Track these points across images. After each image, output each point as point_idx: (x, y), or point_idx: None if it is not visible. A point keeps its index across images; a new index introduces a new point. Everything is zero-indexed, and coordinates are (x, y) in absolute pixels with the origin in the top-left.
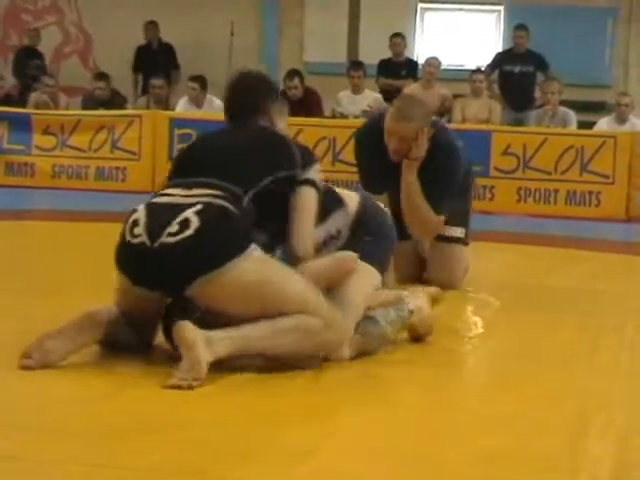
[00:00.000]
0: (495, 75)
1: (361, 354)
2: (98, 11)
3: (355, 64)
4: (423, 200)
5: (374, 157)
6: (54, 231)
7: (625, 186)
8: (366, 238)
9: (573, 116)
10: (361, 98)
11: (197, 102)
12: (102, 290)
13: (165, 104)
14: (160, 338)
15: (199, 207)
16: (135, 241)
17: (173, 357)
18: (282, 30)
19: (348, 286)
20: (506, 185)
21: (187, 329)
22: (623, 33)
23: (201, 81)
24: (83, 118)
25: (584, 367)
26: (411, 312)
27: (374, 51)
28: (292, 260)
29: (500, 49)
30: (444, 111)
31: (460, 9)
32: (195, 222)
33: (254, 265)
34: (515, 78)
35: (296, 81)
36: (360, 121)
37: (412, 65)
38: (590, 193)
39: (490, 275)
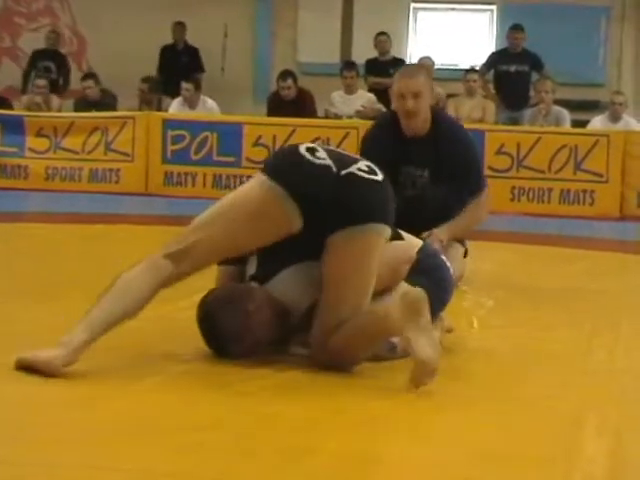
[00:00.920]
0: (490, 75)
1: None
2: (92, 13)
3: (348, 64)
4: (466, 223)
5: (382, 147)
6: (48, 233)
7: (619, 185)
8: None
9: (567, 115)
10: (354, 98)
11: (191, 103)
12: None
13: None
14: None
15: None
16: (318, 162)
17: (168, 357)
18: (275, 31)
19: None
20: (500, 184)
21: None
22: (616, 32)
23: (195, 82)
24: (76, 120)
25: (579, 366)
26: None
27: (367, 51)
28: None
29: (493, 48)
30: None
31: (453, 9)
32: (380, 174)
33: (383, 243)
34: (511, 78)
35: (289, 82)
36: (353, 121)
37: (399, 64)
38: (584, 192)
39: (484, 274)
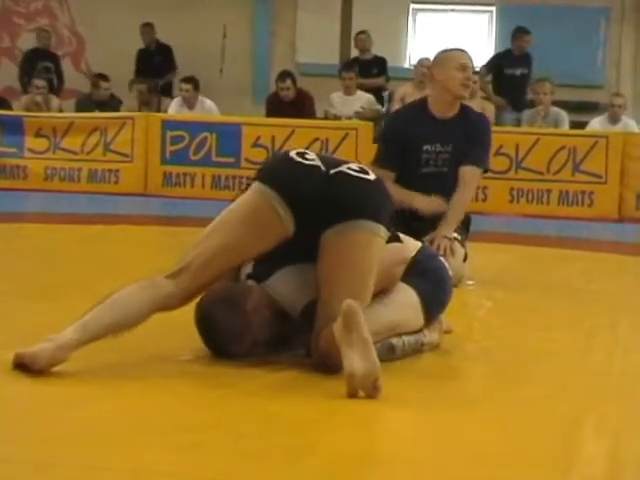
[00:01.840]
0: (489, 76)
1: None
2: (90, 13)
3: (347, 65)
4: (462, 212)
5: (406, 126)
6: (47, 234)
7: (617, 186)
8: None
9: (565, 116)
10: (353, 99)
11: (189, 104)
12: (95, 292)
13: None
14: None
15: (367, 167)
16: (307, 162)
17: (166, 358)
18: (274, 31)
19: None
20: (499, 185)
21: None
22: (615, 33)
23: (194, 83)
24: (75, 120)
25: (578, 366)
26: (422, 344)
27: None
28: None
29: (492, 50)
30: None
31: (452, 10)
32: (373, 175)
33: (380, 244)
34: (515, 80)
35: (288, 82)
36: (352, 122)
37: (382, 63)
38: (582, 193)
39: (483, 275)
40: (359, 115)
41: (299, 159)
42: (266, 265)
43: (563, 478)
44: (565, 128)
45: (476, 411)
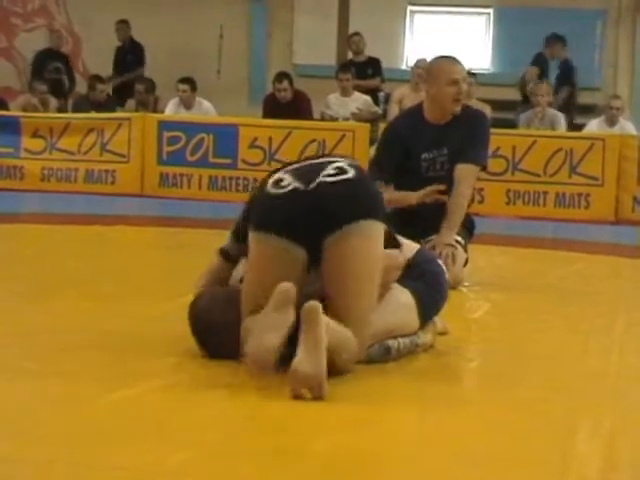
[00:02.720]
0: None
1: None
2: (87, 14)
3: (344, 67)
4: (462, 215)
5: (406, 136)
6: (43, 234)
7: (614, 188)
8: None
9: (562, 118)
10: (350, 101)
11: (186, 104)
12: (91, 293)
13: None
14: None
15: (347, 161)
16: (284, 191)
17: (163, 358)
18: (271, 33)
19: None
20: (495, 187)
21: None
22: (612, 35)
23: (191, 83)
24: (72, 121)
25: (574, 368)
26: (417, 345)
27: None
28: None
29: (490, 51)
30: None
31: (449, 11)
32: (351, 171)
33: (379, 238)
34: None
35: (285, 83)
36: (349, 123)
37: (376, 64)
38: (579, 195)
39: (480, 277)
40: (356, 116)
41: (275, 191)
42: None
43: (558, 478)
44: (562, 130)
45: (472, 412)
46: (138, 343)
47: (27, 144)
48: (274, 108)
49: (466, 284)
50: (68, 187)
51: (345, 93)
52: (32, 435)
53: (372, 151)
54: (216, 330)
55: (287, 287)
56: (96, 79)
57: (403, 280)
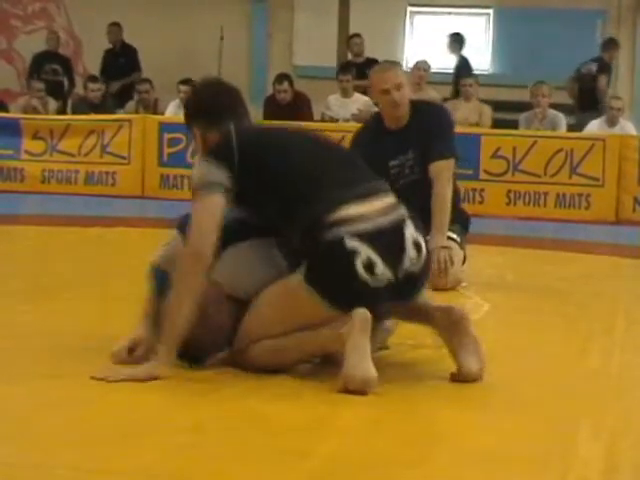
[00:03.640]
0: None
1: None
2: (87, 16)
3: (344, 68)
4: (448, 213)
5: (369, 148)
6: (44, 236)
7: (614, 188)
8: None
9: (563, 119)
10: (351, 102)
11: None
12: (90, 295)
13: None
14: None
15: (411, 224)
16: (381, 283)
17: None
18: (271, 33)
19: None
20: (496, 188)
21: None
22: (612, 35)
23: (192, 85)
24: (72, 123)
25: (575, 368)
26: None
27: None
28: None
29: (490, 52)
30: None
31: (449, 12)
32: (422, 242)
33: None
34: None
35: (285, 85)
36: (350, 124)
37: (375, 64)
38: (580, 196)
39: (480, 277)
40: (356, 117)
41: (373, 282)
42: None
43: (559, 479)
44: (562, 130)
45: (473, 413)
46: None
47: (28, 146)
48: (274, 109)
49: (465, 284)
50: (69, 189)
51: (345, 94)
52: (33, 438)
53: None
54: (195, 346)
55: (367, 314)
56: (89, 79)
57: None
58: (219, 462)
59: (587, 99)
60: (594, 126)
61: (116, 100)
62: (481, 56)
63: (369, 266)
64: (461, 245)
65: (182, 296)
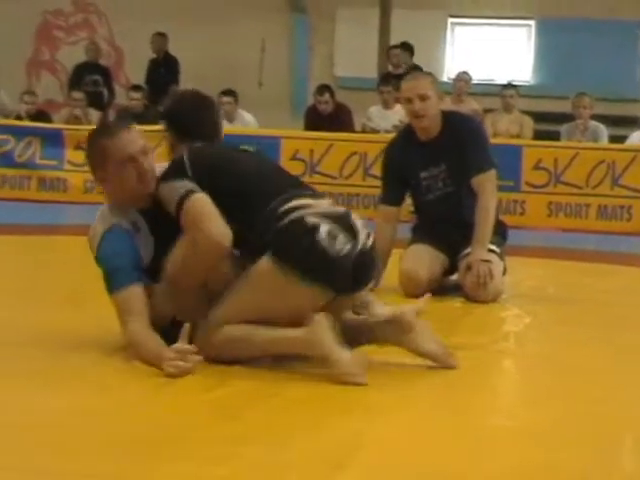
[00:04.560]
0: None
1: None
2: (129, 26)
3: (385, 79)
4: (491, 225)
5: (400, 159)
6: (86, 246)
7: None
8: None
9: (604, 130)
10: (392, 113)
11: (229, 117)
12: None
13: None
14: None
15: (355, 215)
16: (345, 251)
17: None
18: (313, 45)
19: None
20: (537, 200)
21: None
22: None
23: (234, 95)
24: None
25: (614, 382)
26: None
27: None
28: None
29: (531, 63)
30: None
31: (490, 23)
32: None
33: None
34: None
35: (327, 96)
36: (391, 136)
37: None
38: (621, 207)
39: (520, 289)
40: (397, 128)
41: (334, 251)
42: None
43: None
44: (604, 142)
45: (512, 425)
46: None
47: (70, 156)
48: (316, 120)
49: (506, 296)
50: None
51: (386, 105)
52: (68, 447)
53: None
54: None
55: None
56: (130, 89)
57: None
58: (261, 472)
59: None
60: (636, 138)
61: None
62: (522, 67)
63: (331, 235)
64: (501, 256)
65: (193, 270)
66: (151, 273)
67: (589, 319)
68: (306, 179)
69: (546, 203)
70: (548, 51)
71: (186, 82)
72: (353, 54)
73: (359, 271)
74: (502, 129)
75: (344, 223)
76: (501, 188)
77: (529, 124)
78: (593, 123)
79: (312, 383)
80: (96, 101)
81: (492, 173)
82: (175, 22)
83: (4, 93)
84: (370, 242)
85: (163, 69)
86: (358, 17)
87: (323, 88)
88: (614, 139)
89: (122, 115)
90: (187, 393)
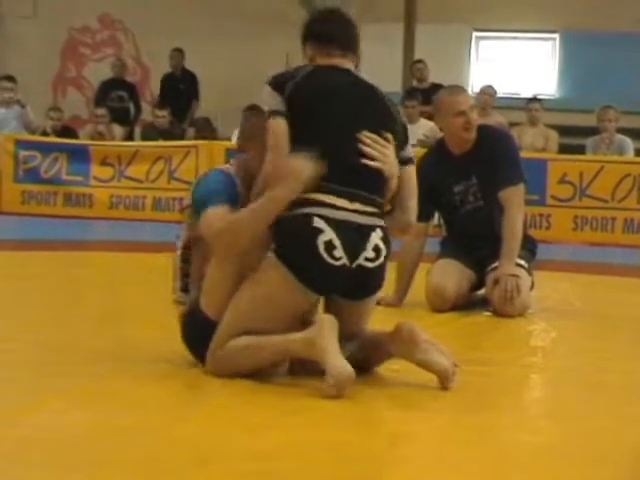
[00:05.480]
0: None
1: None
2: (155, 43)
3: (410, 93)
4: (519, 239)
5: (434, 174)
6: (111, 261)
7: None
8: None
9: (630, 143)
10: (416, 127)
11: None
12: (158, 320)
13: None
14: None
15: (380, 233)
16: (337, 264)
17: (226, 385)
18: None
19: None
20: (563, 213)
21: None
22: None
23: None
24: (140, 149)
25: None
26: None
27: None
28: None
29: (556, 76)
30: None
31: (515, 37)
32: (383, 250)
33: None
34: None
35: None
36: (415, 150)
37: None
38: None
39: (547, 303)
40: (422, 143)
41: (329, 260)
42: None
43: None
44: (630, 155)
45: (538, 442)
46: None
47: (96, 172)
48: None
49: (532, 311)
50: (136, 215)
51: (411, 120)
52: (103, 465)
53: None
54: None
55: (332, 317)
56: (159, 106)
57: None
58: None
59: None
60: None
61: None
62: (547, 80)
63: (329, 246)
64: (529, 271)
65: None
66: None
67: (616, 334)
68: None
69: (572, 217)
70: (573, 64)
71: (210, 97)
72: (377, 68)
73: (351, 285)
74: (527, 143)
75: (353, 237)
76: (526, 202)
77: (554, 138)
78: (619, 136)
79: (337, 402)
80: (122, 117)
81: (520, 187)
82: (200, 38)
83: (30, 109)
84: (373, 264)
85: (182, 85)
86: (382, 32)
87: None
88: None
89: (148, 131)
90: (215, 409)
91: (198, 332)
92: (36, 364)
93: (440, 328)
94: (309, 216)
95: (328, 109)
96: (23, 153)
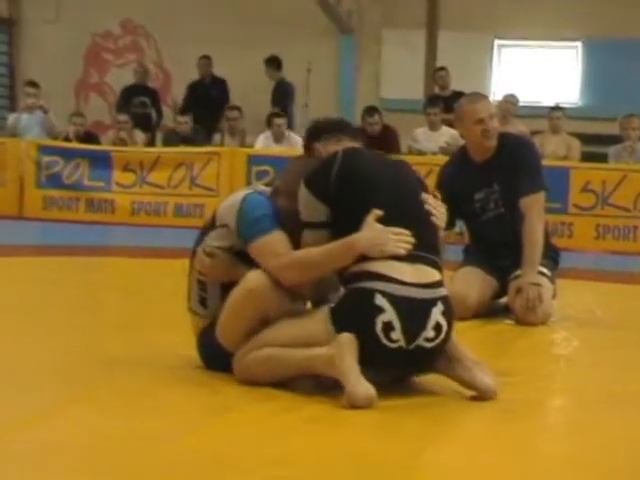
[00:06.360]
0: None
1: None
2: (177, 49)
3: (432, 101)
4: (540, 247)
5: (455, 181)
6: (133, 267)
7: None
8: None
9: None
10: (438, 135)
11: (278, 138)
12: (178, 326)
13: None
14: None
15: (442, 307)
16: (393, 346)
17: (244, 393)
18: (359, 66)
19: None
20: (585, 222)
21: None
22: None
23: (285, 117)
24: (162, 155)
25: None
26: None
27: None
28: None
29: (578, 85)
30: None
31: (537, 45)
32: (444, 326)
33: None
34: None
35: (376, 117)
36: (437, 157)
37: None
38: None
39: (569, 312)
40: (443, 150)
41: (385, 342)
42: None
43: None
44: None
45: (559, 452)
46: (225, 377)
47: (118, 178)
48: (364, 142)
49: (554, 319)
50: (158, 221)
51: (433, 127)
52: (122, 471)
53: None
54: None
55: (351, 337)
56: (182, 112)
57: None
58: None
59: None
60: None
61: (205, 133)
62: (570, 89)
63: (388, 327)
64: (551, 279)
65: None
66: None
67: (637, 343)
68: None
69: (594, 225)
70: (595, 72)
71: (234, 103)
72: (399, 76)
73: (410, 360)
74: (549, 151)
75: (414, 316)
76: (548, 210)
77: (576, 146)
78: None
79: (360, 410)
80: (144, 122)
81: (540, 195)
82: (222, 45)
83: (53, 115)
84: (431, 344)
85: (214, 91)
86: (405, 39)
87: (372, 110)
88: None
89: (170, 137)
90: (235, 415)
91: (214, 351)
92: (58, 369)
93: (462, 336)
94: (372, 292)
95: (381, 183)
96: (45, 159)
